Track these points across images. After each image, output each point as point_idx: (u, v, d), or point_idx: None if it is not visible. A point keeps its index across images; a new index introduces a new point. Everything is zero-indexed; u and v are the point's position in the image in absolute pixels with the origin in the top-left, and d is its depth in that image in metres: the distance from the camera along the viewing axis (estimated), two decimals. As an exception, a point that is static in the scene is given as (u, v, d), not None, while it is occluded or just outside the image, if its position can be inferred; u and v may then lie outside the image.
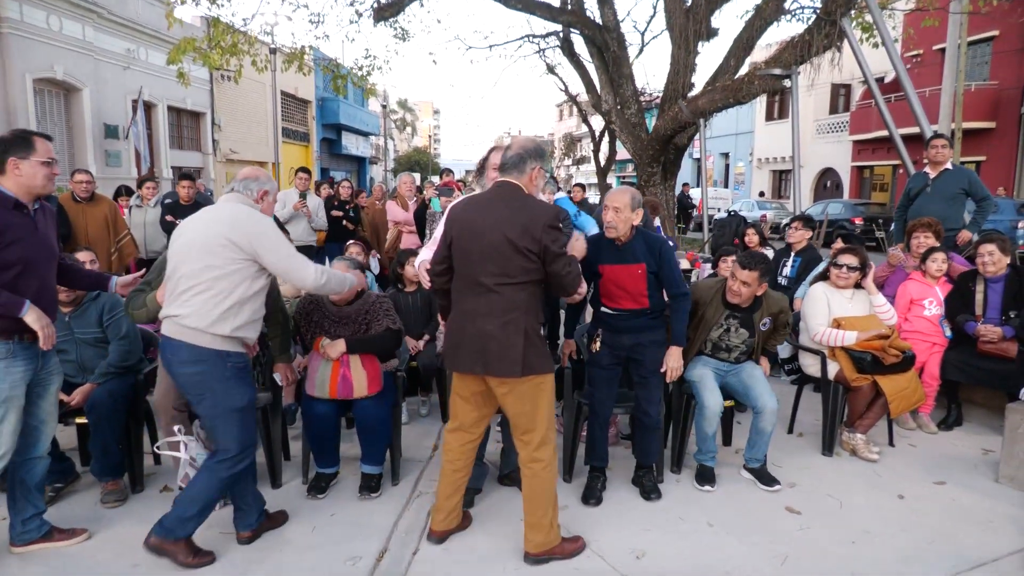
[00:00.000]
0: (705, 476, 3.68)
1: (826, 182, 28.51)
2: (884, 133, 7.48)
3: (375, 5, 10.97)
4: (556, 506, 2.92)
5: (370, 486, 3.51)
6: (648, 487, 3.54)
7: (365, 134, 36.60)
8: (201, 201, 6.66)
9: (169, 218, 6.44)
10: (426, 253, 3.36)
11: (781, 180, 30.77)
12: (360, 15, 11.42)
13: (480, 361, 2.74)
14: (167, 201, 6.71)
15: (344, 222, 7.76)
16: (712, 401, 3.61)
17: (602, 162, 19.48)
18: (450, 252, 2.84)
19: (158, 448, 3.34)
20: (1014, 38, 19.08)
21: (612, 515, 3.31)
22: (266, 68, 11.75)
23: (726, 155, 33.78)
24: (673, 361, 3.44)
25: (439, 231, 3.12)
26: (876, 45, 10.08)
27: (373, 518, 3.30)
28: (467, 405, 2.97)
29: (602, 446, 3.57)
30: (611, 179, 34.70)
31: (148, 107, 17.38)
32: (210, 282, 2.71)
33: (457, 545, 3.07)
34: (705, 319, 3.77)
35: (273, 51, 13.56)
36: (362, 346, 3.49)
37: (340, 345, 3.44)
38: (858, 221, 18.08)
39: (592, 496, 3.45)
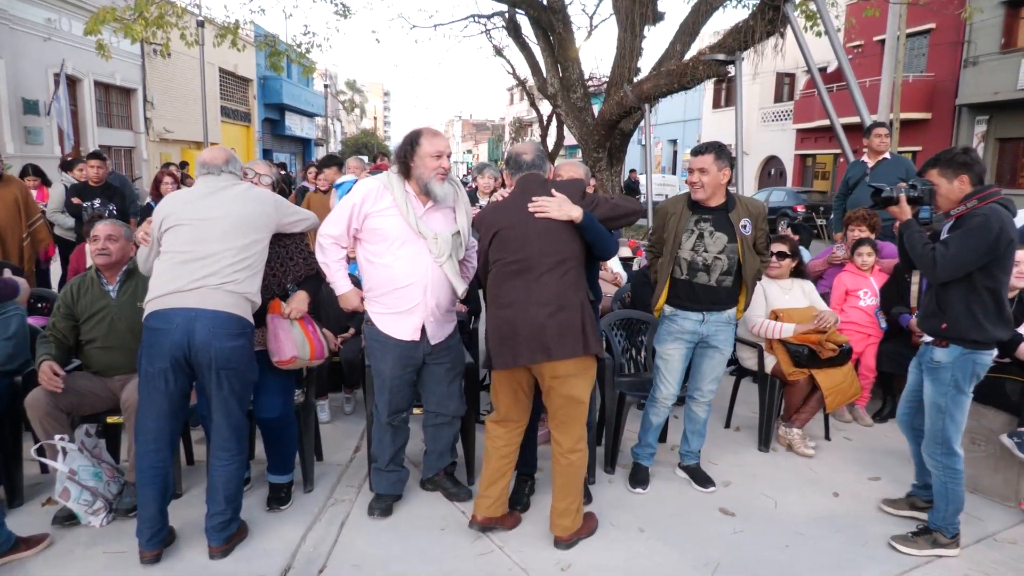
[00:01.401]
0: (638, 477, 3.53)
1: (770, 170, 28.95)
2: (827, 122, 7.44)
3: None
4: (583, 493, 2.99)
5: (279, 497, 3.23)
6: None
7: (310, 115, 35.58)
8: (113, 183, 6.18)
9: (76, 200, 5.95)
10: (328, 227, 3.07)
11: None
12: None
13: (540, 348, 2.69)
14: (73, 183, 6.20)
15: None
16: (665, 391, 3.43)
17: (550, 147, 19.26)
18: (488, 255, 2.86)
19: (33, 454, 2.99)
20: (950, 31, 19.56)
21: (539, 522, 3.12)
22: (195, 43, 11.10)
23: (674, 142, 33.99)
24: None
25: (342, 206, 3.03)
26: (820, 34, 10.09)
27: (280, 531, 3.03)
28: (512, 399, 2.94)
29: (531, 451, 3.36)
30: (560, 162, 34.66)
31: (72, 82, 16.40)
32: (257, 256, 2.82)
33: (370, 563, 2.83)
34: (676, 232, 3.28)
35: (201, 24, 12.87)
36: (315, 287, 3.22)
37: (304, 300, 3.10)
38: (800, 209, 18.37)
39: (519, 502, 3.25)
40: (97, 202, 5.91)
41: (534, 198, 2.76)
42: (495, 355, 2.79)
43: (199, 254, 2.69)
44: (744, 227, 3.24)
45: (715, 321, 3.31)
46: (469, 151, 67.27)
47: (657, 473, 3.66)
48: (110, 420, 3.24)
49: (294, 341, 3.00)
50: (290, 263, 3.13)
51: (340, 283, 3.06)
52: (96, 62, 15.22)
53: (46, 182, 7.51)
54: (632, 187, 19.41)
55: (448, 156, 2.99)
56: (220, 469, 2.78)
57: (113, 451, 3.43)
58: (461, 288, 3.05)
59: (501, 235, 2.81)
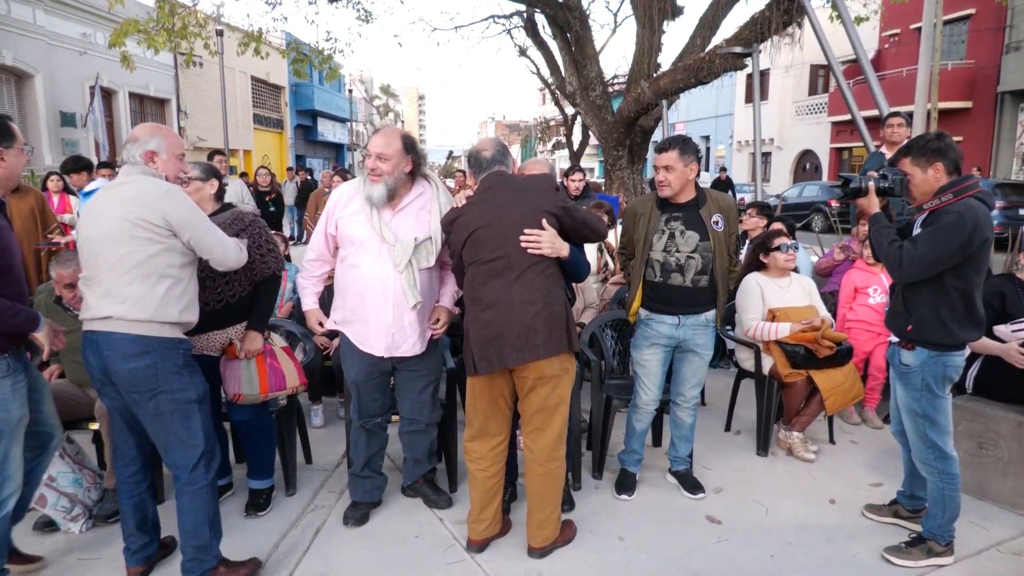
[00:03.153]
0: (624, 484, 3.42)
1: (805, 164, 28.29)
2: (863, 114, 7.18)
3: (328, -16, 10.58)
4: (560, 502, 2.89)
5: (257, 503, 3.22)
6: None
7: (342, 120, 36.02)
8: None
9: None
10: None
11: (763, 162, 30.55)
12: (319, -5, 11.02)
13: (528, 348, 2.59)
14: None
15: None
16: (646, 396, 3.33)
17: (575, 146, 19.10)
18: (461, 256, 2.74)
19: None
20: (990, 16, 18.83)
21: (516, 530, 3.04)
22: (217, 52, 11.31)
23: (707, 138, 33.47)
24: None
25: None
26: (844, 23, 9.80)
27: (254, 536, 3.02)
28: (492, 408, 2.80)
29: (511, 457, 3.27)
30: (592, 163, 34.39)
31: (108, 94, 16.89)
32: (139, 268, 2.39)
33: (338, 571, 2.80)
34: (646, 233, 3.16)
35: (220, 33, 13.09)
36: (263, 320, 3.10)
37: (257, 339, 3.05)
38: (834, 204, 17.86)
39: (498, 509, 3.18)
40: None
41: (526, 231, 2.62)
42: (479, 359, 2.65)
43: (88, 275, 2.48)
44: (716, 223, 3.12)
45: (692, 324, 3.19)
46: (503, 152, 67.20)
47: (647, 479, 3.56)
48: (90, 427, 3.27)
49: (239, 379, 2.98)
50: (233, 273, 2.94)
51: (306, 300, 3.13)
52: (131, 74, 15.70)
53: (69, 189, 7.70)
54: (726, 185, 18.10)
55: (378, 156, 2.81)
56: (178, 498, 2.56)
57: (102, 457, 3.47)
58: (412, 299, 2.87)
59: (476, 235, 2.70)
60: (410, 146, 2.88)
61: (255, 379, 3.00)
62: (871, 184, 2.72)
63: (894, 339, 2.80)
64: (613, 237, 5.00)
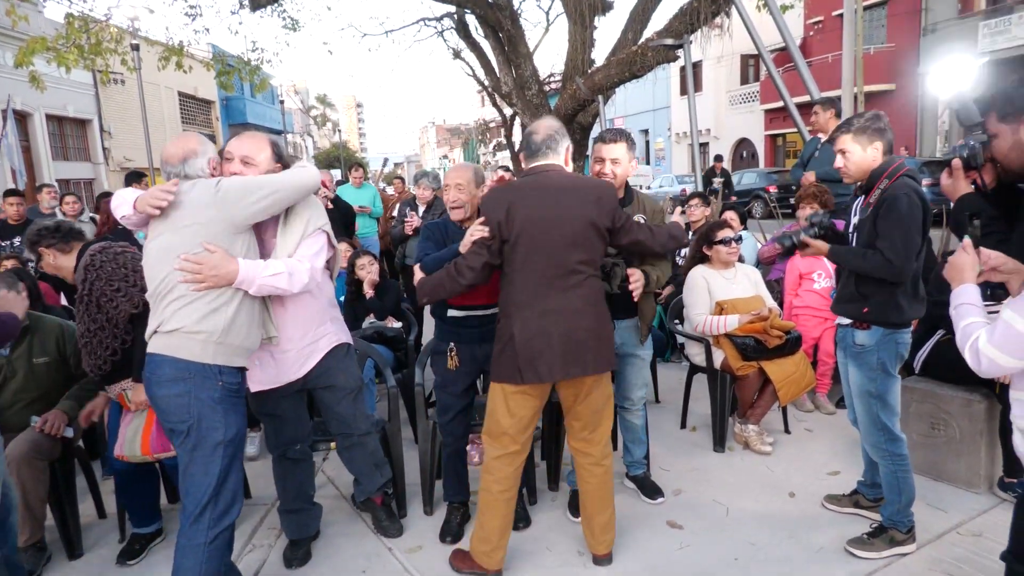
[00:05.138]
0: (575, 504, 3.15)
1: (743, 152, 28.87)
2: (795, 100, 7.25)
3: (250, -8, 10.18)
4: None
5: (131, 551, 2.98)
6: (516, 515, 3.07)
7: (277, 132, 35.18)
8: (33, 219, 5.89)
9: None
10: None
11: (701, 153, 31.07)
12: (243, 5, 10.61)
13: (579, 362, 2.48)
14: (-2, 221, 5.92)
15: None
16: None
17: (516, 147, 19.04)
18: (502, 250, 2.50)
19: None
20: (906, 1, 19.51)
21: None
22: (134, 68, 10.79)
23: (645, 131, 33.86)
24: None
25: None
26: (771, 12, 9.95)
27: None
28: (522, 423, 2.61)
29: (460, 479, 3.12)
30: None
31: (22, 117, 16.03)
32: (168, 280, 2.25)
33: (277, 616, 2.59)
34: None
35: (136, 47, 12.51)
36: (139, 368, 2.78)
37: (139, 390, 2.76)
38: (772, 189, 18.23)
39: (449, 533, 3.01)
40: (17, 240, 5.62)
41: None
42: (525, 368, 2.45)
43: (150, 293, 2.35)
44: None
45: (625, 328, 3.09)
46: (445, 156, 66.91)
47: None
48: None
49: (123, 438, 2.77)
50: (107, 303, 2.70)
51: None
52: (47, 95, 14.84)
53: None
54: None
55: (243, 161, 2.48)
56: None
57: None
58: (269, 330, 2.53)
59: (532, 237, 2.44)
60: (279, 154, 2.60)
61: (136, 440, 2.79)
62: (804, 236, 2.72)
63: (844, 321, 2.74)
64: None
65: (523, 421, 2.60)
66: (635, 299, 2.85)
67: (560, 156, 2.57)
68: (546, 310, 2.45)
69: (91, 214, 7.01)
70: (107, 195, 7.79)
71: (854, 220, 2.70)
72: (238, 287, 2.30)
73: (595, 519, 2.73)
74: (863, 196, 2.66)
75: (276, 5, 11.25)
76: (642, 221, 2.89)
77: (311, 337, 2.71)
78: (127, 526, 3.13)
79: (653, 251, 2.77)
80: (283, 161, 2.61)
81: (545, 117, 2.70)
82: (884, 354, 2.62)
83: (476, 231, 2.57)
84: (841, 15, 18.06)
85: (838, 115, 5.44)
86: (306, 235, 2.52)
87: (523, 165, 2.60)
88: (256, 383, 2.67)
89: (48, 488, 2.91)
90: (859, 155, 2.58)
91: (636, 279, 2.80)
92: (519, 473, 2.69)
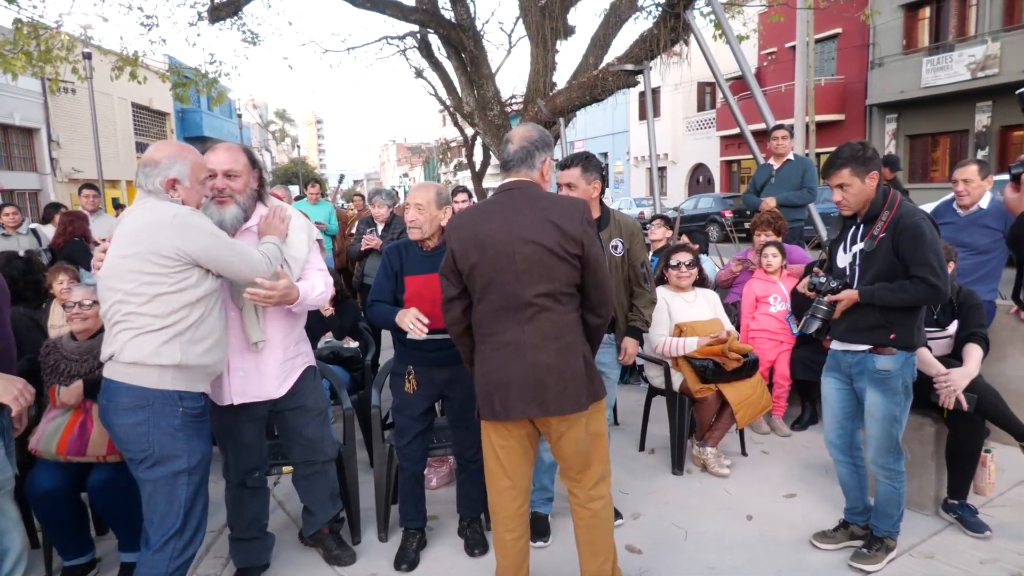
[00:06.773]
0: (537, 529, 3.08)
1: (699, 177, 29.49)
2: (750, 128, 7.41)
3: (209, 4, 10.04)
4: (615, 550, 2.52)
5: (119, 582, 2.83)
6: (473, 541, 3.05)
7: (235, 146, 34.62)
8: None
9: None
10: None
11: (659, 177, 31.65)
12: (201, 17, 10.44)
13: (536, 401, 2.26)
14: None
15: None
16: None
17: (477, 167, 19.07)
18: (462, 279, 2.34)
19: None
20: (855, 35, 20.29)
21: (427, 583, 2.80)
22: (86, 77, 10.50)
23: (605, 155, 34.36)
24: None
25: None
26: (728, 42, 10.22)
27: (124, 622, 2.64)
28: (515, 456, 2.43)
29: (417, 503, 3.05)
30: (495, 183, 34.56)
31: (-36, 124, 15.45)
32: (142, 306, 2.14)
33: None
34: None
35: (88, 56, 12.18)
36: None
37: (77, 387, 2.74)
38: (728, 214, 18.60)
39: (405, 560, 2.93)
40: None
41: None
42: (482, 404, 2.35)
43: (102, 312, 2.27)
44: (615, 247, 2.99)
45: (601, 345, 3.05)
46: (405, 175, 66.77)
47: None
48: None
49: (41, 432, 2.68)
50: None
51: None
52: (-11, 102, 14.39)
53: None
54: None
55: (226, 175, 2.48)
56: None
57: None
58: (254, 336, 2.52)
59: (486, 264, 2.26)
60: (254, 160, 2.59)
61: (54, 438, 2.72)
62: (826, 300, 2.70)
63: (855, 348, 2.72)
64: None
65: (514, 455, 2.42)
66: (626, 363, 3.06)
67: (535, 170, 2.36)
68: (504, 343, 2.28)
69: (32, 225, 6.76)
70: (56, 206, 7.56)
71: (853, 249, 2.71)
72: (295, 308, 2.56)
73: (585, 567, 2.48)
74: (862, 225, 2.68)
75: (236, 18, 11.13)
76: (619, 249, 2.93)
77: (292, 353, 2.71)
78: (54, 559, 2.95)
79: (600, 300, 2.39)
80: (257, 167, 2.60)
81: (525, 124, 2.54)
82: (908, 377, 2.68)
83: (409, 320, 2.64)
84: (794, 47, 18.72)
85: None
86: (311, 245, 2.69)
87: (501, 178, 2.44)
88: (238, 395, 2.59)
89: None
90: (859, 187, 2.62)
91: (629, 354, 3.08)
92: (524, 511, 2.47)
